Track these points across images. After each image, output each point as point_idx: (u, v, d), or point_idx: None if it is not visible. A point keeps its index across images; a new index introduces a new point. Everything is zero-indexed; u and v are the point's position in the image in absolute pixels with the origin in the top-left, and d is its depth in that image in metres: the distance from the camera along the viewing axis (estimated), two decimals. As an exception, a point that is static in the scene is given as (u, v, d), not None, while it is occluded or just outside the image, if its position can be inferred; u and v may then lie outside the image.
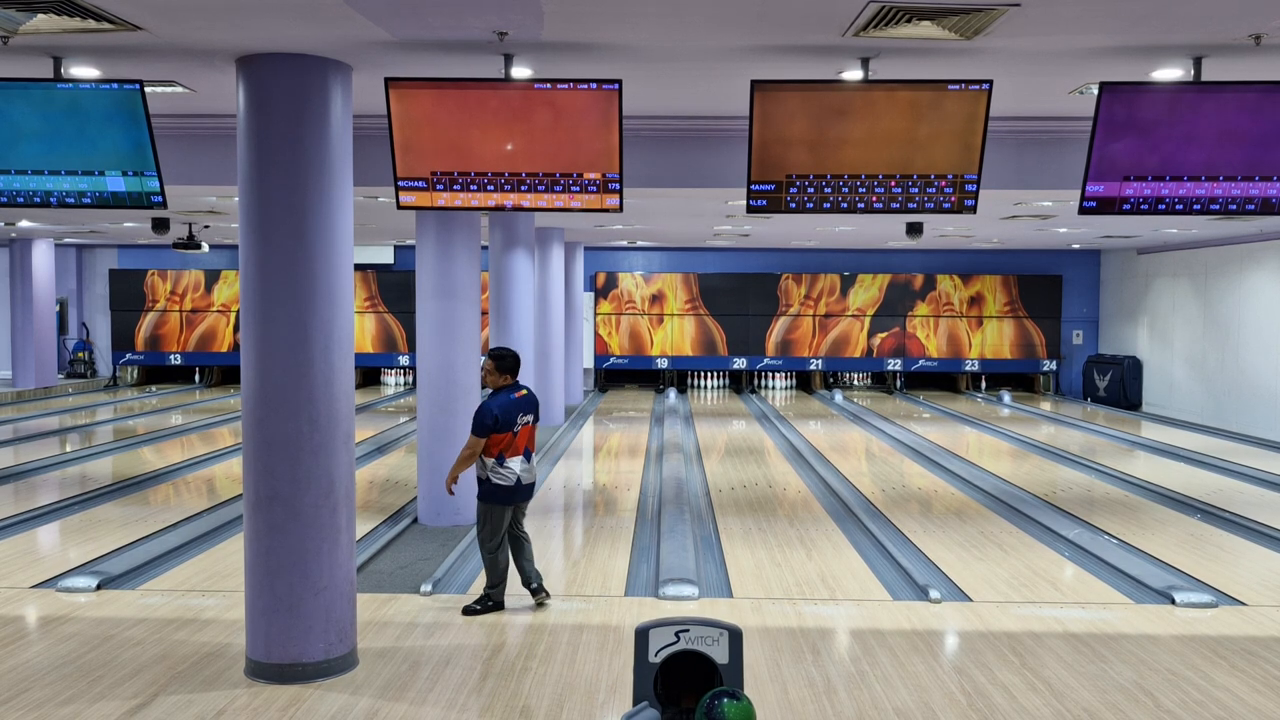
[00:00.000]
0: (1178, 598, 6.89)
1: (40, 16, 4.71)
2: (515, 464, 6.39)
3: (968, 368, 21.81)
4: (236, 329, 21.83)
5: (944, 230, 15.76)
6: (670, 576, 7.26)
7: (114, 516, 9.36)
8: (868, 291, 21.72)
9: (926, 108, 5.43)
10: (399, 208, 5.64)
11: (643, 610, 6.59)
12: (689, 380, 22.53)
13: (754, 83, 5.41)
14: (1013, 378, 22.28)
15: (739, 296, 21.72)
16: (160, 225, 13.42)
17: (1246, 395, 16.25)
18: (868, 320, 21.75)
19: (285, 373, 5.36)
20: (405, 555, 8.03)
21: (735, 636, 3.71)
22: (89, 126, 5.47)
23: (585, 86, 5.33)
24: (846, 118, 5.47)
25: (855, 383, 22.57)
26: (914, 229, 12.15)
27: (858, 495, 10.58)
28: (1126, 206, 5.56)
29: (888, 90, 5.44)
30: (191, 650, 5.84)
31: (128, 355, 22.37)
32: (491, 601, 6.57)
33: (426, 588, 6.92)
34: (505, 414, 6.36)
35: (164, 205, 5.70)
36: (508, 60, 5.35)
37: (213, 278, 22.21)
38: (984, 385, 22.33)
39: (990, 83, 5.38)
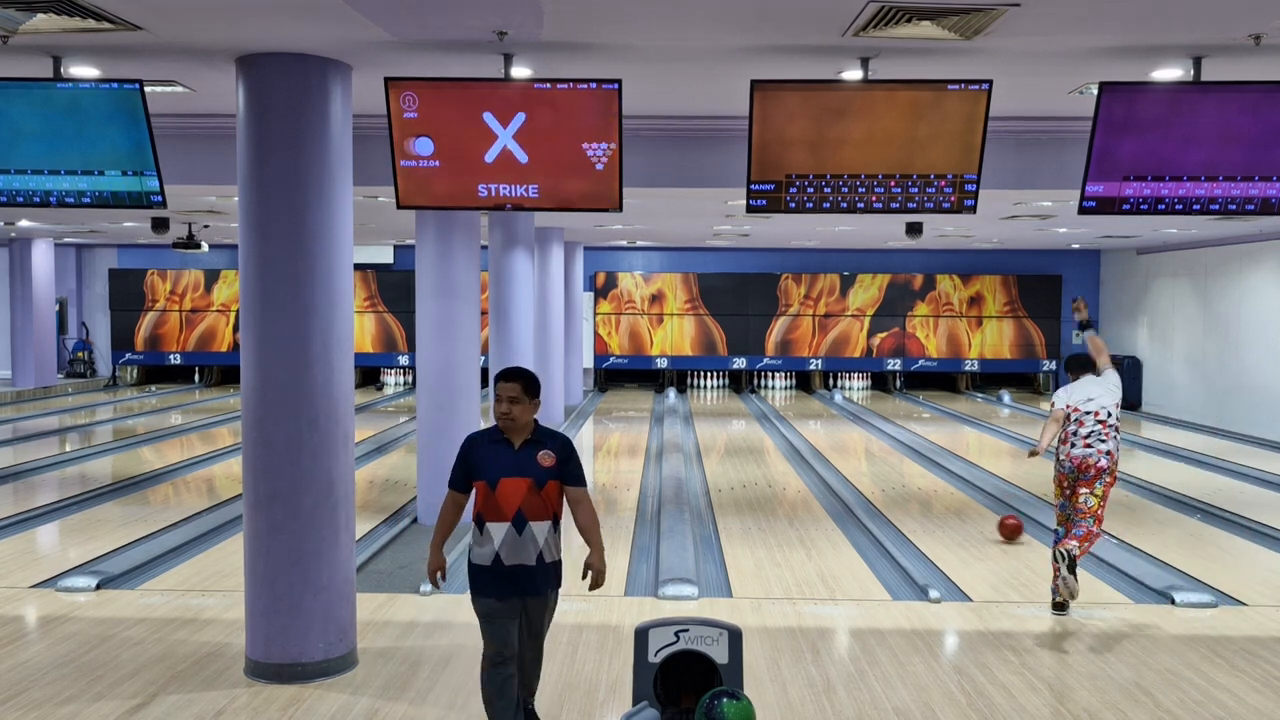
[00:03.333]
0: (1178, 598, 6.89)
1: (40, 16, 4.71)
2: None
3: (967, 368, 21.81)
4: (236, 329, 21.83)
5: (944, 230, 15.76)
6: (670, 576, 7.26)
7: (113, 516, 9.36)
8: (867, 291, 21.72)
9: (926, 108, 5.43)
10: (399, 207, 5.64)
11: (642, 610, 6.59)
12: (689, 380, 22.52)
13: (754, 83, 5.40)
14: (1012, 378, 22.28)
15: (739, 296, 21.72)
16: (160, 225, 13.42)
17: (1246, 395, 16.25)
18: (867, 320, 21.75)
19: (285, 373, 5.36)
20: (405, 555, 8.03)
21: (735, 636, 3.72)
22: (89, 126, 5.47)
23: (585, 86, 5.33)
24: (846, 118, 5.47)
25: (854, 384, 22.54)
26: (914, 229, 12.15)
27: (857, 495, 10.57)
28: (1126, 206, 5.56)
29: (887, 90, 5.44)
30: (191, 650, 5.84)
31: (127, 355, 22.37)
32: None
33: (426, 588, 6.91)
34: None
35: (164, 205, 5.70)
36: (507, 60, 5.35)
37: (212, 277, 22.21)
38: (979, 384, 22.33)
39: (990, 83, 5.38)
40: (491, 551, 4.30)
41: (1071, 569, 6.42)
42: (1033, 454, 6.94)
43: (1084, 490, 6.70)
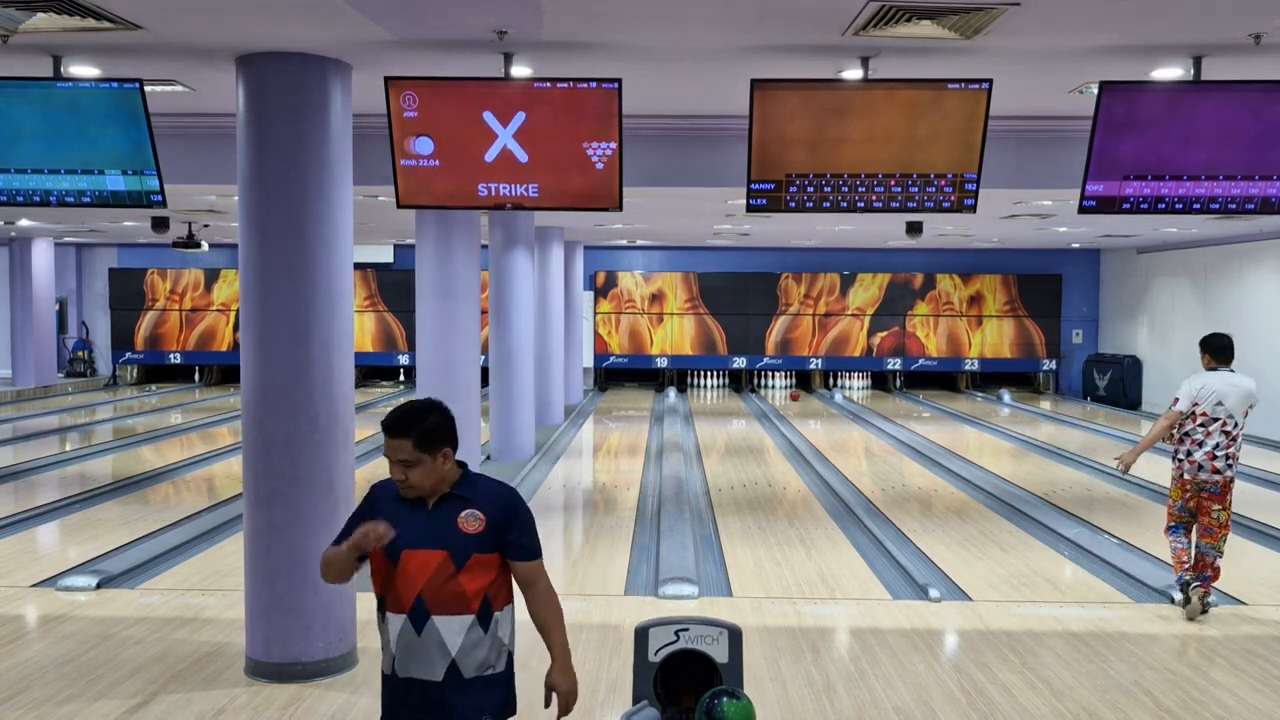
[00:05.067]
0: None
1: (40, 15, 4.71)
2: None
3: (967, 367, 21.81)
4: (236, 328, 21.82)
5: (944, 230, 15.76)
6: (670, 576, 7.26)
7: (113, 515, 9.36)
8: (867, 291, 21.72)
9: (926, 107, 5.43)
10: (399, 206, 5.63)
11: (643, 609, 6.59)
12: (689, 379, 22.52)
13: (754, 82, 5.40)
14: (1012, 377, 22.28)
15: (739, 296, 21.71)
16: (160, 224, 13.42)
17: (1246, 395, 16.23)
18: (867, 319, 21.75)
19: (285, 372, 5.36)
20: (405, 554, 8.02)
21: (735, 635, 3.71)
22: (89, 125, 5.47)
23: (585, 85, 5.33)
24: (846, 117, 5.47)
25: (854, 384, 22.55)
26: (914, 228, 12.15)
27: (857, 494, 10.57)
28: (1126, 206, 5.56)
29: (887, 89, 5.44)
30: (191, 649, 5.84)
31: (127, 354, 22.37)
32: None
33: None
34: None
35: (164, 204, 5.70)
36: (507, 59, 5.36)
37: (212, 277, 22.21)
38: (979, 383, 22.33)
39: (990, 82, 5.38)
40: (390, 656, 3.07)
41: (1204, 610, 6.47)
42: (1125, 467, 6.55)
43: (1216, 507, 6.43)
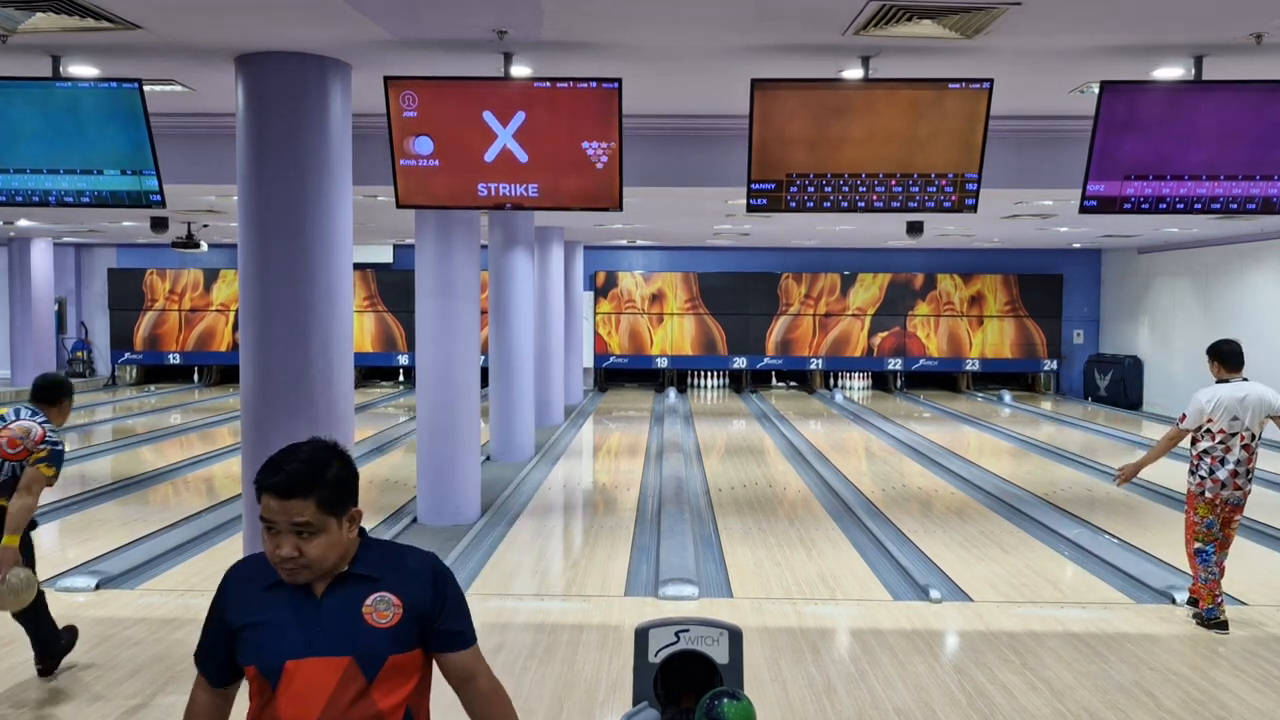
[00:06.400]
0: (1178, 597, 6.88)
1: (39, 15, 4.70)
2: None
3: (968, 367, 21.80)
4: (235, 328, 21.80)
5: (944, 230, 15.76)
6: (670, 576, 7.26)
7: (113, 516, 9.35)
8: (868, 291, 21.71)
9: (927, 107, 5.43)
10: (399, 206, 5.63)
11: (643, 610, 6.58)
12: (689, 380, 22.52)
13: (754, 82, 5.40)
14: (1013, 377, 22.27)
15: (739, 296, 21.71)
16: (159, 224, 13.41)
17: (1247, 395, 16.22)
18: (868, 320, 21.74)
19: (284, 372, 5.35)
20: (405, 555, 8.01)
21: (735, 636, 3.71)
22: (88, 125, 5.47)
23: (585, 85, 5.32)
24: (847, 116, 5.46)
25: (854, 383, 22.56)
26: (914, 228, 12.14)
27: (858, 495, 10.57)
28: (1127, 205, 5.56)
29: (888, 89, 5.44)
30: (191, 650, 5.81)
31: (126, 355, 22.37)
32: None
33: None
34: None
35: (163, 204, 5.70)
36: (507, 59, 5.35)
37: (211, 277, 22.21)
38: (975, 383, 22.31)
39: (991, 81, 5.37)
40: None
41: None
42: (1123, 480, 6.44)
43: (1238, 517, 6.36)
